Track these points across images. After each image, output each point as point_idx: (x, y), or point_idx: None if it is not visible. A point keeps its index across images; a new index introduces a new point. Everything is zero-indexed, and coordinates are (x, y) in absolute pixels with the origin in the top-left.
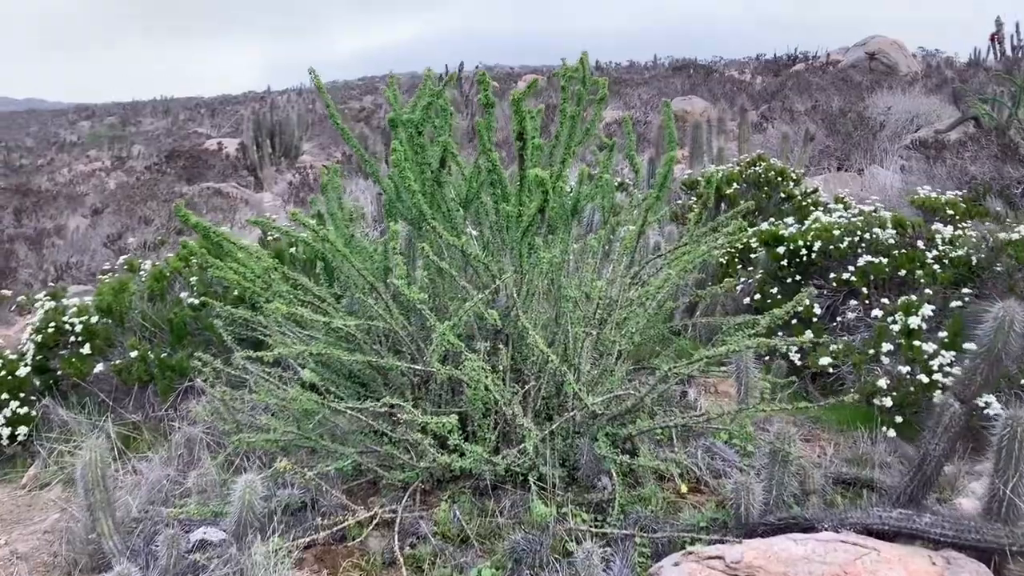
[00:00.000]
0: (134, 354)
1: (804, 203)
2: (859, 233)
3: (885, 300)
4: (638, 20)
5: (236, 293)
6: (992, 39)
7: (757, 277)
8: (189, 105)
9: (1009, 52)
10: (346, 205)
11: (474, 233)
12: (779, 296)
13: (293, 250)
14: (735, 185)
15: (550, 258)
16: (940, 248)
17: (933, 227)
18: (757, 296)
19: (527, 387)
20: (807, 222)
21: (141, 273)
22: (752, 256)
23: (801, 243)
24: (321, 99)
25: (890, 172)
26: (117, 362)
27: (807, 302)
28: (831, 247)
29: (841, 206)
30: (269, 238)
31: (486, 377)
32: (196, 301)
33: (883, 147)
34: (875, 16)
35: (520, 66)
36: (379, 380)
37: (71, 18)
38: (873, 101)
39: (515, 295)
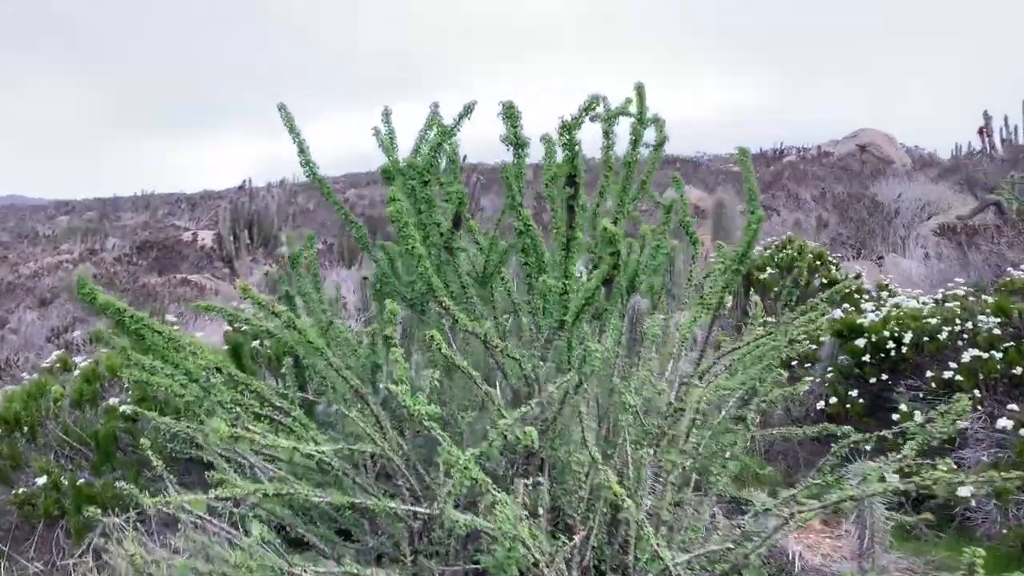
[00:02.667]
0: (43, 480)
1: (848, 290)
2: (958, 322)
3: (1014, 406)
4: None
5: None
6: (981, 132)
7: (828, 377)
8: (170, 200)
9: (999, 144)
10: (323, 288)
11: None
12: (860, 400)
13: (257, 344)
14: (768, 270)
15: (601, 352)
16: None
17: None
18: (832, 400)
19: (572, 537)
20: (884, 310)
21: (75, 373)
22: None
23: (887, 335)
24: (311, 189)
25: (914, 261)
26: (21, 491)
27: (964, 411)
28: (924, 339)
29: (886, 294)
30: (235, 329)
31: (525, 528)
32: (130, 410)
33: (899, 234)
34: (844, 116)
35: (502, 162)
36: (364, 524)
37: (53, 116)
38: (879, 189)
39: (558, 404)
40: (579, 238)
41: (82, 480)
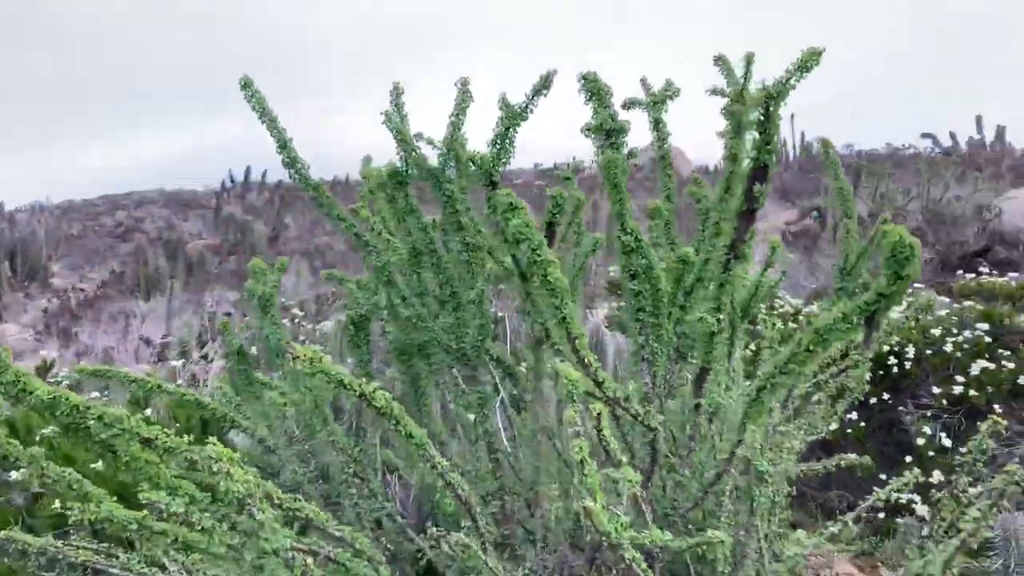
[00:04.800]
0: None
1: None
2: (955, 331)
3: None
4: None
5: (60, 502)
6: None
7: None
8: None
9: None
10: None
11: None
12: (862, 423)
13: (149, 412)
14: None
15: (716, 401)
16: None
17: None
18: (832, 426)
19: None
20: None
21: None
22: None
23: (886, 349)
24: (71, 213)
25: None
26: None
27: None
28: (927, 352)
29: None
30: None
31: None
32: None
33: None
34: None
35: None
36: None
37: None
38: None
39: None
40: (748, 255)
41: None
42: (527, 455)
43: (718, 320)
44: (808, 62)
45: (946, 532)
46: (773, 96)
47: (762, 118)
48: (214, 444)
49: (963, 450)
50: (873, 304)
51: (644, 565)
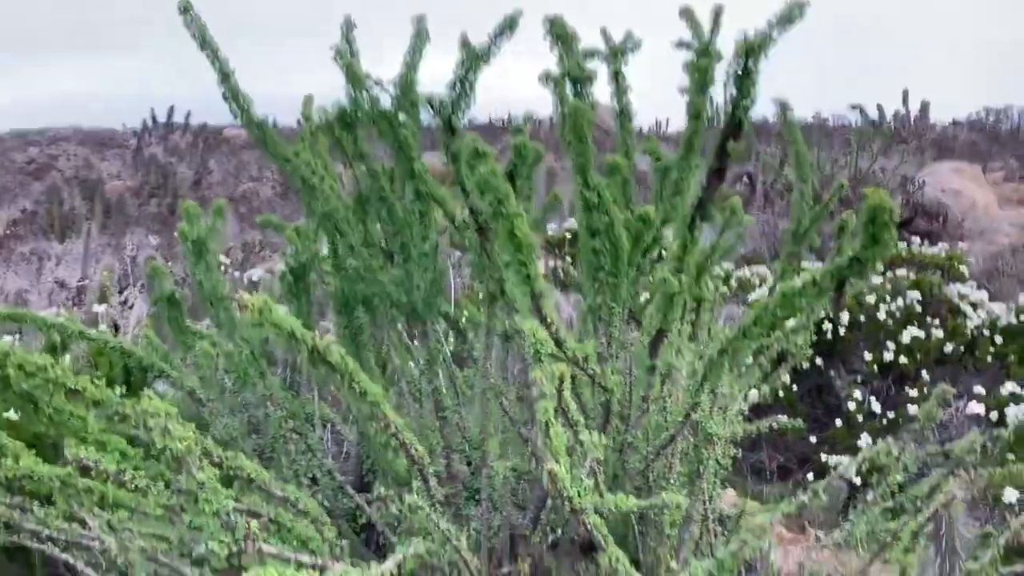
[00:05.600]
0: None
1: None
2: (888, 299)
3: (980, 388)
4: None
5: None
6: None
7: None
8: None
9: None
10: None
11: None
12: (794, 387)
13: (68, 360)
14: None
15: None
16: (978, 314)
17: (951, 288)
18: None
19: None
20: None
21: None
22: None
23: (821, 315)
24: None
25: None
26: None
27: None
28: (861, 318)
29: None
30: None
31: None
32: None
33: None
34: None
35: (229, 124)
36: None
37: None
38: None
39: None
40: (713, 216)
41: None
42: (475, 414)
43: (680, 281)
44: (791, 15)
45: (891, 497)
46: (754, 49)
47: (739, 73)
48: (149, 397)
49: (891, 415)
50: (846, 269)
51: (605, 531)
